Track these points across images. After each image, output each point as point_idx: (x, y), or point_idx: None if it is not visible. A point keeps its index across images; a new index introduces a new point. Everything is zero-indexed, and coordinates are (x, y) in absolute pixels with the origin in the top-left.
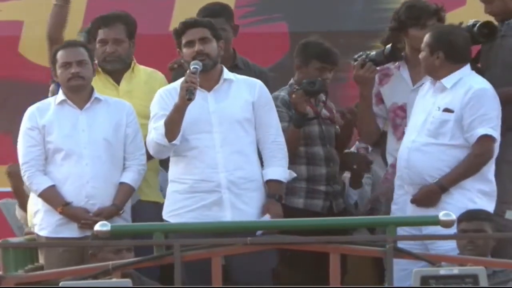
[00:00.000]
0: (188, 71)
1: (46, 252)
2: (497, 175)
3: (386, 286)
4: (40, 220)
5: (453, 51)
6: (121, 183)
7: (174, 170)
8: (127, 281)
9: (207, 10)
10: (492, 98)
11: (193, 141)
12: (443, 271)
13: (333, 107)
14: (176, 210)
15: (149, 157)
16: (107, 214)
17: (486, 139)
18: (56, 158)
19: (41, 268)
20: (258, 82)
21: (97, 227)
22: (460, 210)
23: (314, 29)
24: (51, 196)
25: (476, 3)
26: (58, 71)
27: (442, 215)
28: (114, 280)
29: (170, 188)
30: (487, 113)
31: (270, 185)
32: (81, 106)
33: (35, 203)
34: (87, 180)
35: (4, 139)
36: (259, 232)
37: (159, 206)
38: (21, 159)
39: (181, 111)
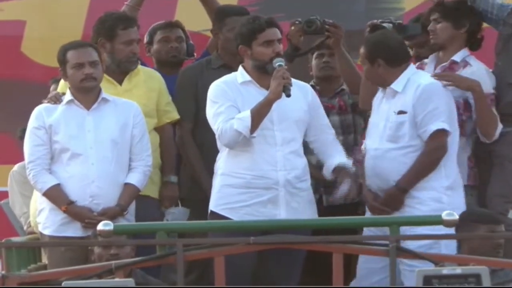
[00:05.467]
0: (277, 68)
1: (49, 251)
2: (501, 173)
3: (387, 286)
4: (45, 218)
5: (390, 55)
6: (126, 184)
7: (229, 163)
8: (130, 281)
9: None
10: (441, 92)
11: (255, 138)
12: (446, 270)
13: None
14: (230, 204)
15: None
16: (111, 214)
17: (439, 133)
18: (62, 158)
19: (44, 267)
20: (307, 84)
21: (100, 226)
22: (429, 212)
23: None
24: (55, 195)
25: None
26: (70, 72)
27: (445, 215)
28: (117, 280)
29: (222, 181)
30: (437, 107)
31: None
32: (88, 107)
33: (40, 202)
34: (93, 180)
35: (5, 139)
36: None
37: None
38: (27, 158)
39: (270, 106)
